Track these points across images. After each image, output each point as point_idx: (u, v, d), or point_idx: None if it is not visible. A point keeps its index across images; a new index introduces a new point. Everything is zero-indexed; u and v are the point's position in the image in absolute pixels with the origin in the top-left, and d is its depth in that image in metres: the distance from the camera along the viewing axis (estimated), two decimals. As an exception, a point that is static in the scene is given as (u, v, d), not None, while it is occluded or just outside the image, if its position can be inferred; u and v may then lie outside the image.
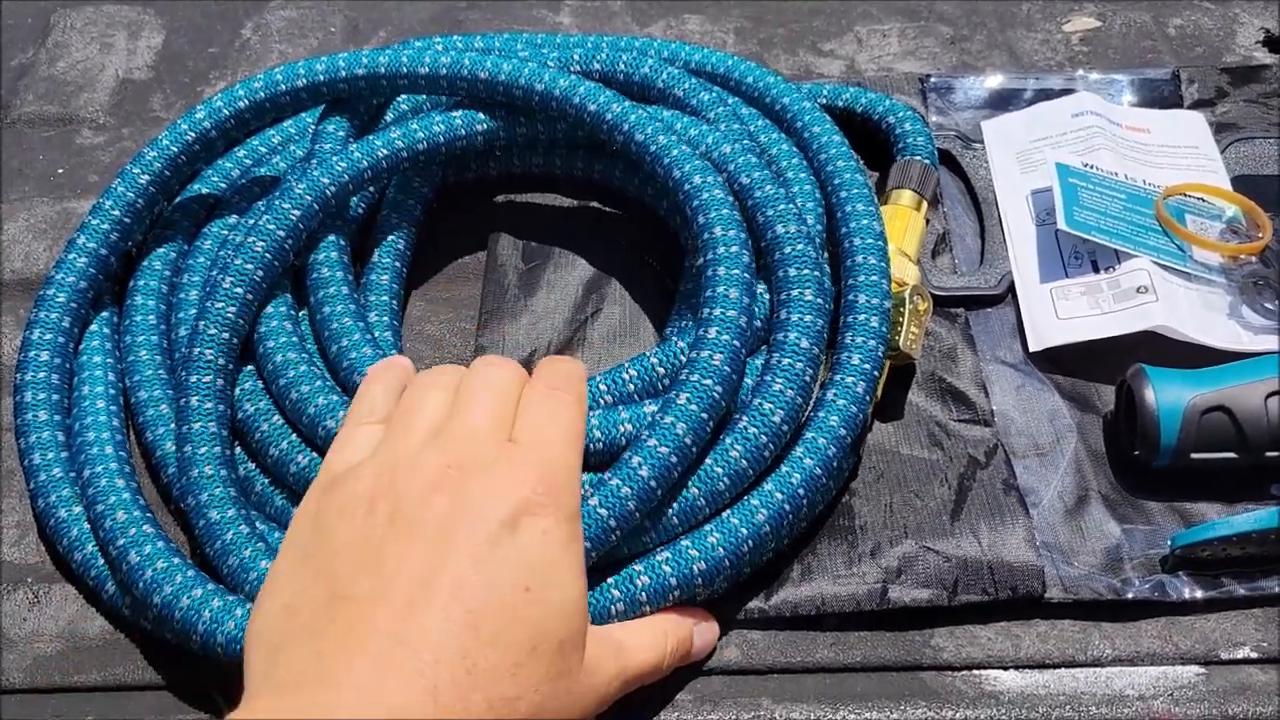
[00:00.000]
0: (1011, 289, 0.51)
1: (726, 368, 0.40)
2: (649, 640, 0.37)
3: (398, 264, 0.50)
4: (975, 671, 0.41)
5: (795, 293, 0.42)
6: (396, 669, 0.30)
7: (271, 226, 0.45)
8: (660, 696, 0.40)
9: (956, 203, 0.55)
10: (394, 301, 0.49)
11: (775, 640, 0.41)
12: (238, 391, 0.44)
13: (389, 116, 0.54)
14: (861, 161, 0.50)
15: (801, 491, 0.40)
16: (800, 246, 0.43)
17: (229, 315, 0.44)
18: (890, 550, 0.42)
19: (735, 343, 0.40)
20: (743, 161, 0.46)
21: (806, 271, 0.42)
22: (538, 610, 0.33)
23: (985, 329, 0.50)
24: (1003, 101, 0.58)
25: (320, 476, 0.37)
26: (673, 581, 0.38)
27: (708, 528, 0.39)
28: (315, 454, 0.42)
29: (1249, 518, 0.41)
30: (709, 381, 0.39)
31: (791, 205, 0.44)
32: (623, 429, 0.40)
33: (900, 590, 0.41)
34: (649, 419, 0.40)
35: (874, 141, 0.56)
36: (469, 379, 0.38)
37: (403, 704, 0.30)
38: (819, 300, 0.42)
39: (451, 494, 0.34)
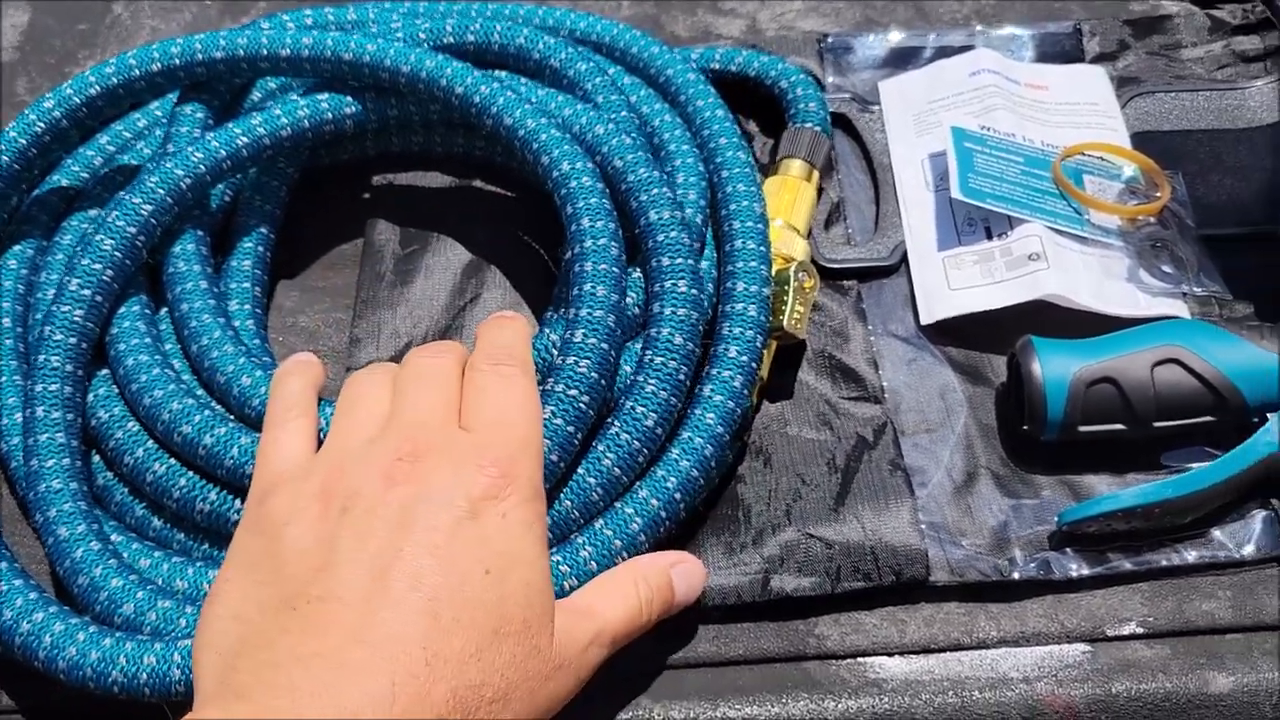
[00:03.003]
0: (905, 259, 0.49)
1: (594, 374, 0.38)
2: (620, 596, 0.36)
3: (261, 248, 0.48)
4: (859, 660, 0.40)
5: (669, 284, 0.40)
6: (353, 667, 0.29)
7: (121, 223, 0.43)
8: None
9: (852, 169, 0.53)
10: (257, 289, 0.47)
11: (657, 638, 0.40)
12: (91, 398, 0.42)
13: (256, 95, 0.51)
14: (743, 135, 0.48)
15: (678, 496, 0.39)
16: (674, 234, 0.41)
17: (76, 319, 0.42)
18: (772, 538, 0.41)
19: (603, 345, 0.39)
20: (616, 144, 0.44)
21: (680, 261, 0.41)
22: (497, 592, 0.32)
23: (878, 301, 0.48)
24: (902, 60, 0.57)
25: (255, 484, 0.36)
26: None
27: (580, 539, 0.38)
28: (172, 460, 0.40)
29: (1134, 491, 0.41)
30: (574, 391, 0.38)
31: (665, 190, 0.42)
32: None
33: (782, 579, 0.40)
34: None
35: (771, 107, 0.54)
36: (404, 371, 0.38)
37: (358, 703, 0.29)
38: (693, 292, 0.40)
39: (407, 485, 0.33)
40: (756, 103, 0.55)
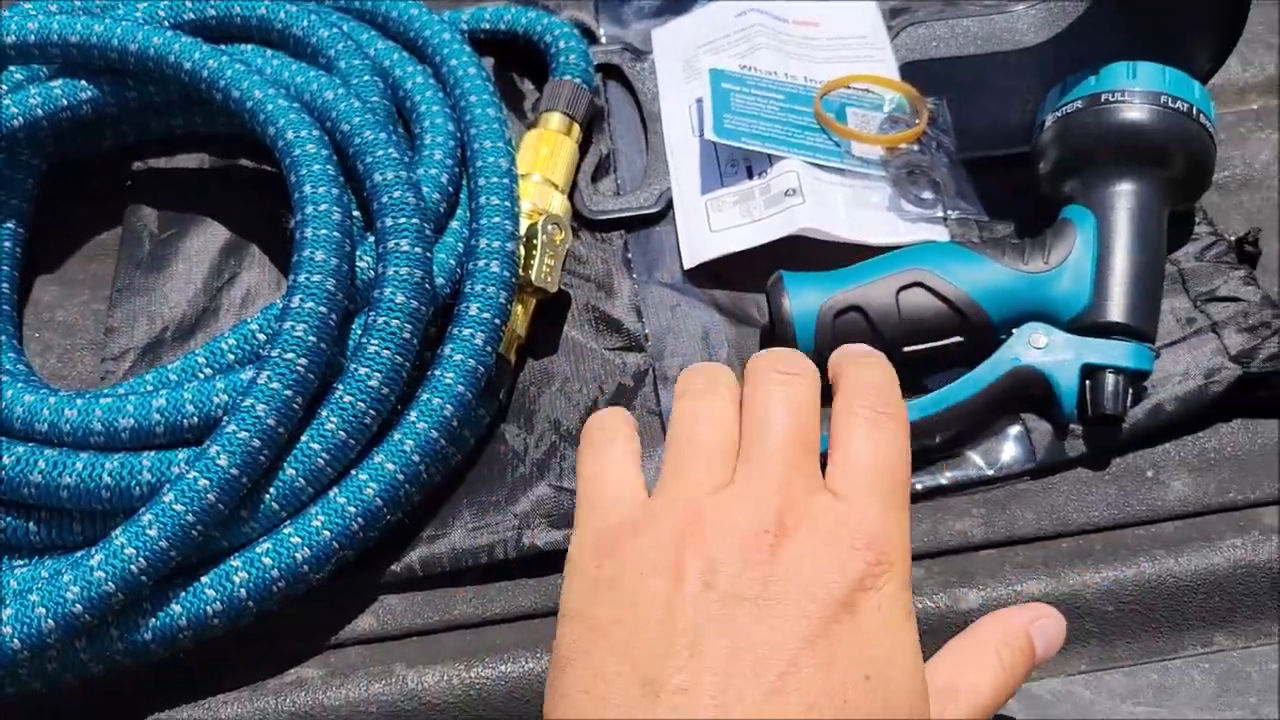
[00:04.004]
0: (671, 206, 0.49)
1: (312, 338, 0.38)
2: (986, 670, 0.32)
3: (9, 244, 0.47)
4: (617, 607, 0.40)
5: (392, 244, 0.40)
6: None
7: None
8: (293, 674, 0.38)
9: (624, 120, 0.53)
10: (5, 285, 0.46)
11: (413, 602, 0.40)
12: None
13: (1, 87, 0.49)
14: (497, 91, 0.47)
15: (417, 459, 0.38)
16: (398, 194, 0.40)
17: None
18: (524, 495, 0.41)
19: (321, 309, 0.38)
20: (345, 108, 0.43)
21: (404, 220, 0.40)
22: (880, 701, 0.29)
23: (644, 251, 0.48)
24: (678, 7, 0.56)
25: (587, 522, 0.33)
26: (275, 574, 0.37)
27: (313, 510, 0.37)
28: None
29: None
30: (291, 355, 0.37)
31: (391, 150, 0.42)
32: (218, 399, 0.38)
33: (533, 534, 0.40)
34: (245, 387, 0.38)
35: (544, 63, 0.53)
36: (754, 394, 0.33)
37: None
38: (418, 250, 0.40)
39: (775, 565, 0.30)
40: (530, 61, 0.54)
